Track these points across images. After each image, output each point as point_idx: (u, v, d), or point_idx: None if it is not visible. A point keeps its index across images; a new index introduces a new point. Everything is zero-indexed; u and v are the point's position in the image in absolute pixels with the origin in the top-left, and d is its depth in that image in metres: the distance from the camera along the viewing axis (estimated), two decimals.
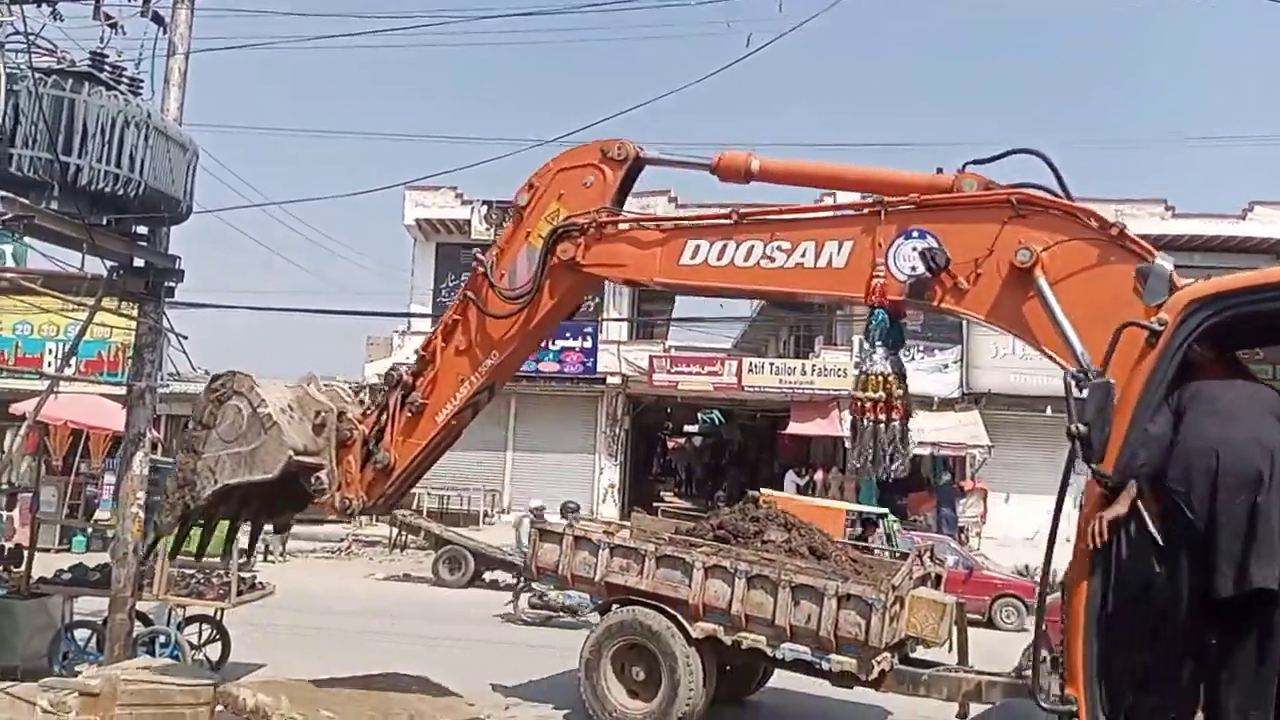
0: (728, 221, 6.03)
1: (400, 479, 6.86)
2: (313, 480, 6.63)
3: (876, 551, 11.50)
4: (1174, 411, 4.46)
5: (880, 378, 5.53)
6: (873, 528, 16.77)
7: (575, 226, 6.33)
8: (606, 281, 7.29)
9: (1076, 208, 5.04)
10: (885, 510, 17.38)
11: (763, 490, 16.33)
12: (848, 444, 5.95)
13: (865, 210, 5.63)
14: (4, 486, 17.40)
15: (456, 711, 7.72)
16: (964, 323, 22.42)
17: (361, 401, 7.02)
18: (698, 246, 6.06)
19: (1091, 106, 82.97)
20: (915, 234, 5.40)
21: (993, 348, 22.65)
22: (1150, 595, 4.39)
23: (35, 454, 16.95)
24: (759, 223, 5.95)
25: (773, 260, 5.82)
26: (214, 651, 9.85)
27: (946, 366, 23.31)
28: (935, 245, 5.30)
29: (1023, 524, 20.78)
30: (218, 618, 9.87)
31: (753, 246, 5.89)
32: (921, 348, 23.24)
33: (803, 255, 5.73)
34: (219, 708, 7.29)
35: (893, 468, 5.52)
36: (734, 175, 6.20)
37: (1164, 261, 4.68)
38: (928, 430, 21.99)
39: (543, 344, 23.89)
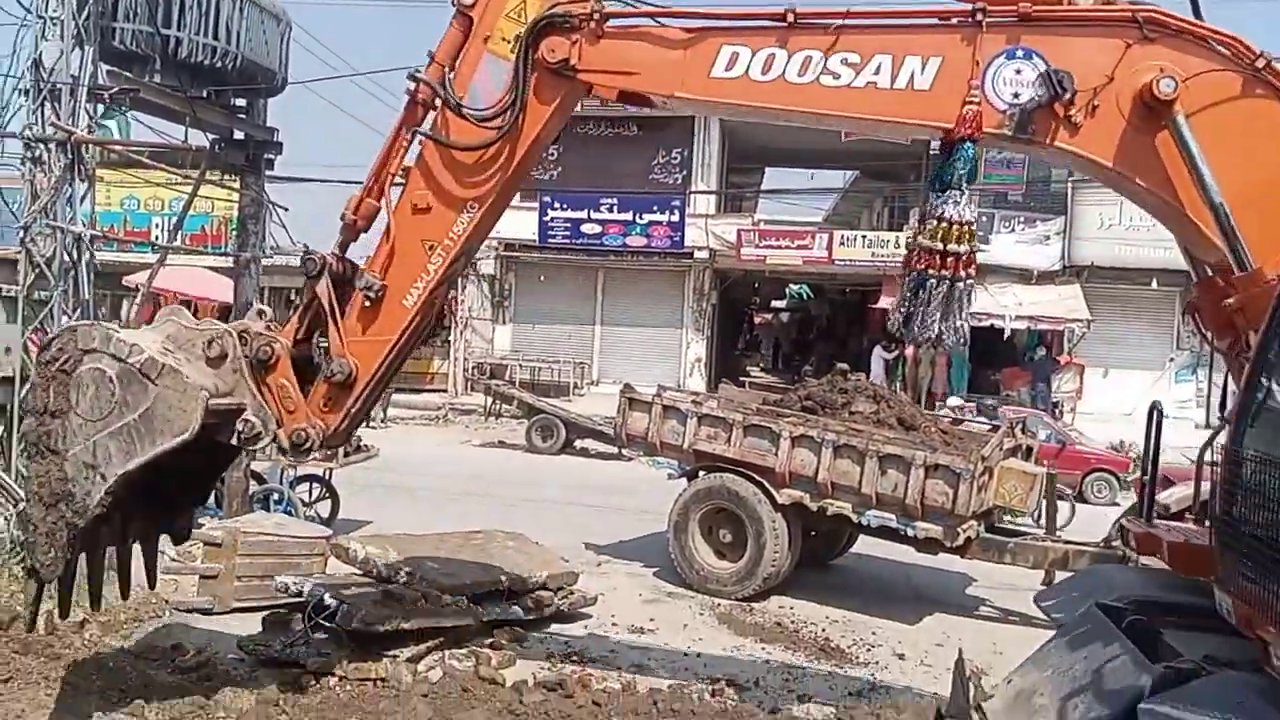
0: (779, 23, 4.73)
1: (367, 389, 5.26)
2: (239, 426, 5.05)
3: None
4: None
5: (964, 227, 4.67)
6: None
7: (566, 18, 4.89)
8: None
9: (1213, 32, 4.33)
10: None
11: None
12: (894, 308, 4.91)
13: (958, 20, 4.58)
14: None
15: (552, 566, 8.11)
16: (1069, 191, 21.44)
17: (262, 314, 5.31)
18: (735, 54, 4.77)
19: None
20: (1020, 53, 4.50)
21: (1098, 218, 21.60)
22: None
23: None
24: (820, 27, 4.70)
25: (836, 77, 4.66)
26: (324, 508, 10.44)
27: (1048, 238, 22.37)
28: (1051, 67, 4.42)
29: (1122, 400, 20.39)
30: (327, 477, 10.43)
31: (809, 58, 4.68)
32: (1022, 219, 22.35)
33: (875, 72, 4.61)
34: (331, 558, 7.81)
35: (958, 336, 4.80)
36: None
37: None
38: (1025, 304, 21.42)
39: (633, 219, 24.04)
